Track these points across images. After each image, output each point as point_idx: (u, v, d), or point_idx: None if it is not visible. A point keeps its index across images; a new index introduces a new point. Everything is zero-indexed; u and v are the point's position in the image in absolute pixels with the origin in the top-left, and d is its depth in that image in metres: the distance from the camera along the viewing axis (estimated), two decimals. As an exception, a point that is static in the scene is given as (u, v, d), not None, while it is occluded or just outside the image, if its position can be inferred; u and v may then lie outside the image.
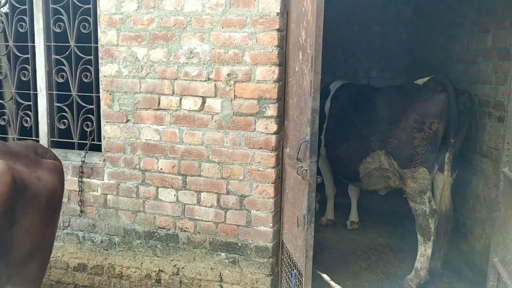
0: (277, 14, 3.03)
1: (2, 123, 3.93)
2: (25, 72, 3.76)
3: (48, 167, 2.50)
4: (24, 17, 3.67)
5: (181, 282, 3.52)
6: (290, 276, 3.00)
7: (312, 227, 2.61)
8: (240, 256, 3.34)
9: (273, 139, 3.16)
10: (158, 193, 3.48)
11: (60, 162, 2.66)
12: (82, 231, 3.73)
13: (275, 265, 3.35)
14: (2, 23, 3.76)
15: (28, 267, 2.37)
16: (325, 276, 3.28)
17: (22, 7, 3.68)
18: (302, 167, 2.62)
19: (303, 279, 2.69)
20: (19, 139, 3.86)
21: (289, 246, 3.08)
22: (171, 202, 3.46)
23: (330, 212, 5.26)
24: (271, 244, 3.26)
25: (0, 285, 2.22)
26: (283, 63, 3.13)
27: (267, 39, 3.06)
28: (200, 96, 3.27)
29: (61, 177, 2.58)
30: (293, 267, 2.97)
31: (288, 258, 3.13)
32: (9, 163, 2.21)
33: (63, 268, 3.82)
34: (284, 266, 3.24)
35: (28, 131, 3.88)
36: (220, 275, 3.40)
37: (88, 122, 3.68)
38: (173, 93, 3.33)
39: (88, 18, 3.52)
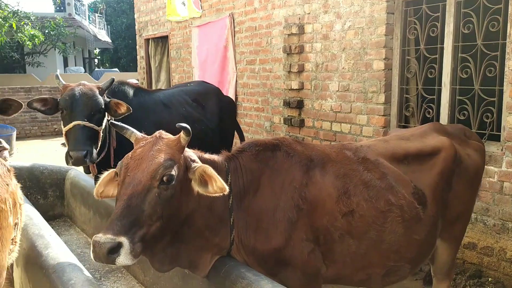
0: None
1: (407, 114, 4.73)
2: (432, 70, 4.40)
3: (474, 147, 2.97)
4: (436, 23, 4.31)
5: None
6: None
7: None
8: None
9: None
10: None
11: (483, 144, 3.09)
12: (475, 213, 4.08)
13: None
14: (416, 30, 4.52)
15: (454, 227, 2.90)
16: None
17: (435, 14, 4.32)
18: None
19: None
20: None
21: None
22: None
23: None
24: None
25: (432, 241, 2.80)
26: None
27: None
28: None
29: (483, 157, 3.00)
30: None
31: None
32: (451, 141, 2.79)
33: (452, 243, 4.29)
34: None
35: (428, 121, 4.52)
36: None
37: (488, 114, 3.99)
38: None
39: (498, 17, 3.82)
